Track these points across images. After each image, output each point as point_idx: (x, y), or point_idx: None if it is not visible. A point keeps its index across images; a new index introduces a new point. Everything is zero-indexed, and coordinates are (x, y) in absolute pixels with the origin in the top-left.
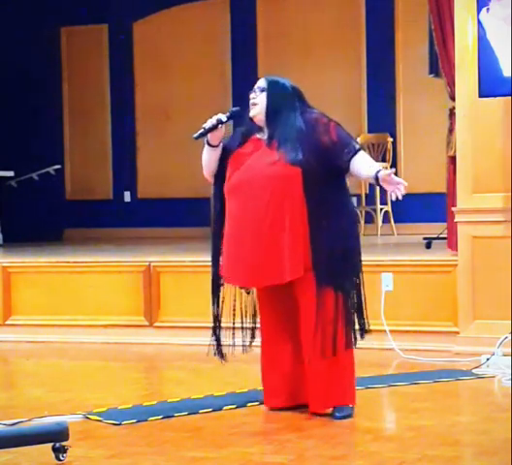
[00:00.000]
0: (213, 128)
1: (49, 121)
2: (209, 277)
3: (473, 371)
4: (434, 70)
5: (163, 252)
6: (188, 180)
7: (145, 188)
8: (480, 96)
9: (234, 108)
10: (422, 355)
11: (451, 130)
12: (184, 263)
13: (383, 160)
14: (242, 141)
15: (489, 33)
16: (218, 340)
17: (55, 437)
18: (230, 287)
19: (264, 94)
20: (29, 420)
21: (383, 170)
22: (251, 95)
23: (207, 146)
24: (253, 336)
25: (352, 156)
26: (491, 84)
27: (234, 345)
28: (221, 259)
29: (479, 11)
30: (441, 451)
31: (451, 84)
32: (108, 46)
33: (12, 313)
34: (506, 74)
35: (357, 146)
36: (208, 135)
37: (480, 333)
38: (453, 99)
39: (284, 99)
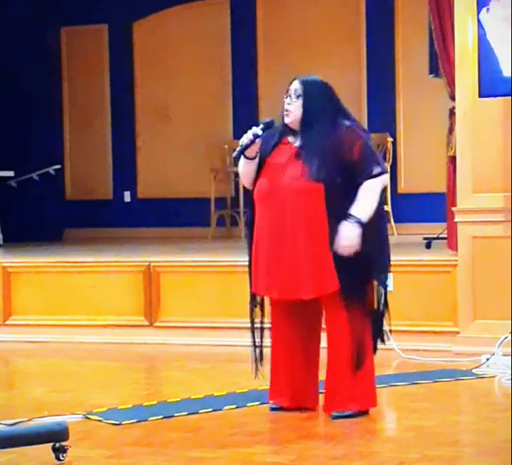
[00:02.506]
0: (251, 143)
1: (49, 121)
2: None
3: (473, 371)
4: (434, 70)
5: (163, 252)
6: (188, 180)
7: (145, 188)
8: (480, 96)
9: (267, 120)
10: (422, 355)
11: (451, 130)
12: (184, 263)
13: (383, 160)
14: (275, 145)
15: (489, 33)
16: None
17: (55, 437)
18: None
19: (300, 101)
20: (29, 420)
21: (347, 224)
22: (286, 100)
23: (243, 159)
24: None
25: (365, 179)
26: (491, 84)
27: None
28: (249, 267)
29: (479, 11)
30: (441, 451)
31: (451, 84)
32: (108, 46)
33: (12, 313)
34: (506, 74)
35: (375, 171)
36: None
37: (480, 333)
38: (453, 99)
39: (320, 107)
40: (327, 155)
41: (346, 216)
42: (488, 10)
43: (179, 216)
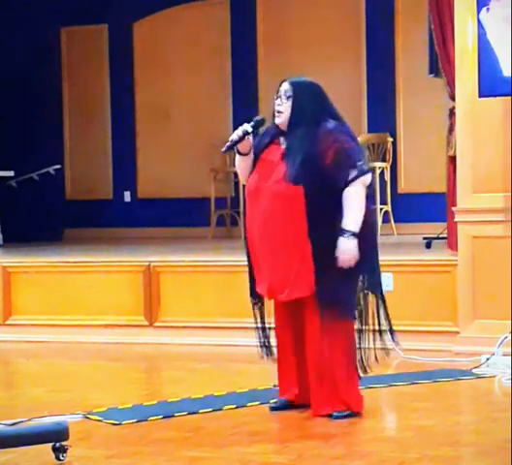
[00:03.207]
0: (240, 140)
1: (49, 121)
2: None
3: (473, 371)
4: (434, 70)
5: (163, 252)
6: (188, 180)
7: (145, 188)
8: (480, 96)
9: (257, 118)
10: (422, 355)
11: (451, 130)
12: (184, 263)
13: (383, 160)
14: (268, 144)
15: (489, 33)
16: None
17: (55, 437)
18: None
19: (289, 102)
20: (29, 420)
21: (343, 239)
22: (277, 101)
23: (238, 155)
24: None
25: (346, 185)
26: (491, 84)
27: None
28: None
29: (479, 11)
30: (441, 451)
31: (451, 84)
32: (108, 46)
33: (12, 313)
34: (506, 74)
35: (351, 176)
36: (237, 145)
37: (480, 333)
38: (453, 99)
39: (308, 108)
40: (307, 157)
41: (331, 223)
42: (488, 10)
43: (179, 216)
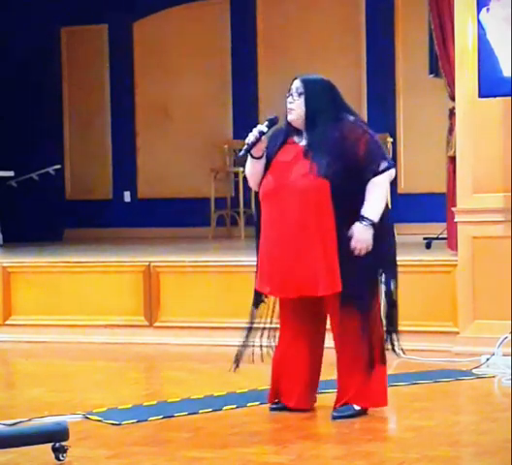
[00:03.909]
0: (257, 141)
1: (49, 121)
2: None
3: (473, 371)
4: (434, 70)
5: (163, 252)
6: (188, 180)
7: (145, 188)
8: (480, 96)
9: (271, 117)
10: (422, 355)
11: (451, 130)
12: (184, 263)
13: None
14: (280, 145)
15: (489, 33)
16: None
17: (55, 437)
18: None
19: (302, 99)
20: (29, 420)
21: (359, 225)
22: (288, 99)
23: (250, 159)
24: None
25: (374, 175)
26: (491, 84)
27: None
28: (257, 267)
29: (479, 11)
30: (441, 451)
31: (451, 84)
32: (108, 46)
33: (12, 313)
34: (506, 74)
35: (381, 167)
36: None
37: (480, 333)
38: (453, 99)
39: (322, 103)
40: (333, 152)
41: (357, 217)
42: (488, 10)
43: (179, 216)
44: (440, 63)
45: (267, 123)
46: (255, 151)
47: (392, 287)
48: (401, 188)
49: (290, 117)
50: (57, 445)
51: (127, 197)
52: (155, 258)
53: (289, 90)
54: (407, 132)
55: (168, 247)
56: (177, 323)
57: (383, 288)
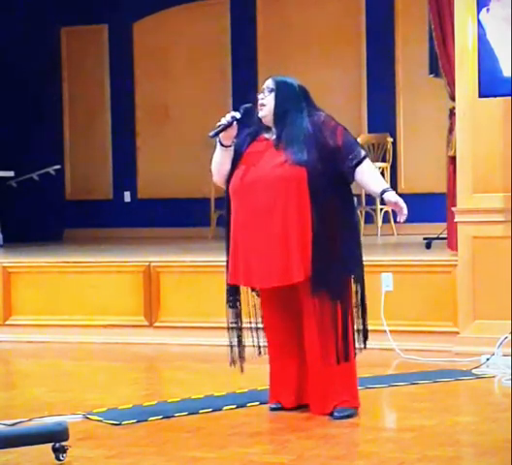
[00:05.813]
0: (229, 125)
1: (49, 121)
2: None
3: (473, 371)
4: (434, 70)
5: (163, 252)
6: (188, 180)
7: (145, 188)
8: (480, 96)
9: (246, 105)
10: (422, 355)
11: (451, 130)
12: (184, 264)
13: (383, 160)
14: (250, 141)
15: (489, 33)
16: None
17: (55, 437)
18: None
19: (272, 95)
20: (29, 420)
21: (390, 193)
22: (260, 95)
23: (219, 148)
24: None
25: (357, 164)
26: (491, 84)
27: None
28: (228, 259)
29: (479, 11)
30: (441, 451)
31: (451, 84)
32: (108, 46)
33: (12, 313)
34: (506, 74)
35: (362, 154)
36: (221, 135)
37: (480, 333)
38: (453, 99)
39: (292, 100)
40: (307, 142)
41: (383, 190)
42: (488, 10)
43: (179, 216)
44: (440, 63)
45: (241, 110)
46: (225, 137)
47: (359, 287)
48: (401, 188)
49: (261, 113)
50: (57, 445)
51: (127, 197)
52: (155, 258)
53: (262, 90)
54: (407, 132)
55: (168, 247)
56: (177, 323)
57: (354, 286)
